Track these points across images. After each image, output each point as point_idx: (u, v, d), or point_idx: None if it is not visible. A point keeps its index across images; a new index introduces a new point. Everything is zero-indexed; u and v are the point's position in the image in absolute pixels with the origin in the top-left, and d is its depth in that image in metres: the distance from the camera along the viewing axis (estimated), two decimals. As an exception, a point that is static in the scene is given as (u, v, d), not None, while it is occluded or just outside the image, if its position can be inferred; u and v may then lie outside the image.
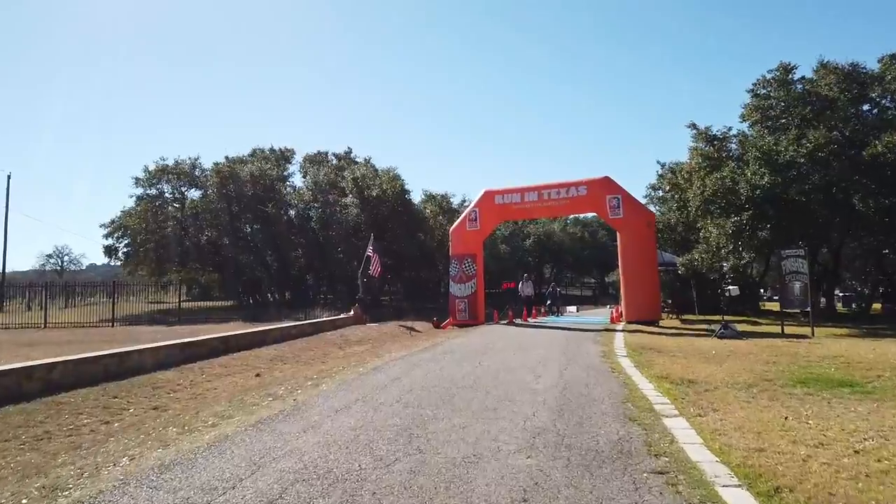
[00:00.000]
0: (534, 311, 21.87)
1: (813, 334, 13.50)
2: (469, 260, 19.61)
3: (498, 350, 10.68)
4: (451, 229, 20.65)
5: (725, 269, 12.69)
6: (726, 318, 19.35)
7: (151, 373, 8.68)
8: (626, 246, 17.88)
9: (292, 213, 32.95)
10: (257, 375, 9.81)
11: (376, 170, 32.51)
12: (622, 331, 15.22)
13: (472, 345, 11.86)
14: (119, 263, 30.34)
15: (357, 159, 36.34)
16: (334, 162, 36.85)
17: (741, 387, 6.80)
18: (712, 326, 15.66)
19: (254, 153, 35.76)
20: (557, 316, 23.48)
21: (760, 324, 18.56)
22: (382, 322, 22.66)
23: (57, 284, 26.58)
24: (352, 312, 21.46)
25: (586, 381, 7.12)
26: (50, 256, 67.92)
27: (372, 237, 22.89)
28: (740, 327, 15.17)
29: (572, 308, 27.00)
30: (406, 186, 32.68)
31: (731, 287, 12.80)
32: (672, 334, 14.46)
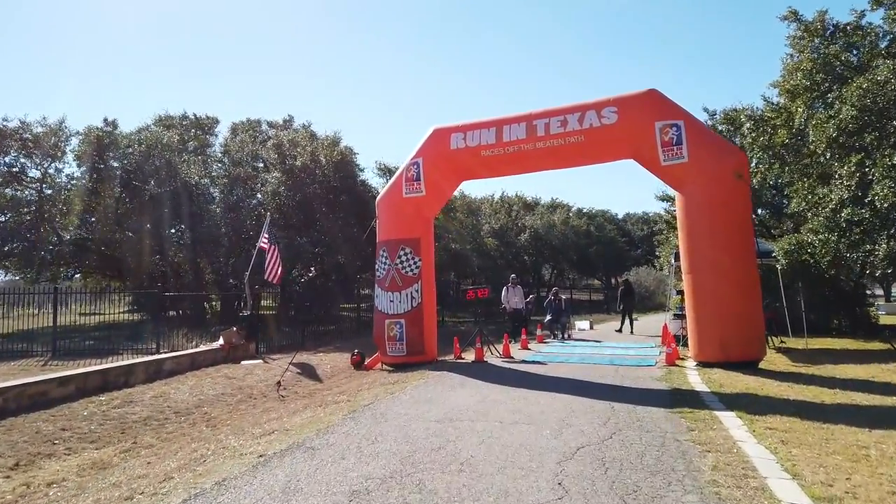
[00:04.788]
0: (524, 336, 13.28)
1: None
2: (408, 250, 11.08)
3: None
4: (377, 199, 12.09)
5: None
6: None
7: None
8: (694, 218, 9.36)
9: (211, 196, 24.33)
10: None
11: (314, 136, 24.00)
12: (716, 395, 6.69)
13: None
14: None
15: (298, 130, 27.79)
16: (270, 132, 28.30)
17: None
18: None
19: (159, 121, 27.21)
20: (563, 340, 14.88)
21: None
22: (280, 354, 14.12)
23: None
24: (220, 341, 12.92)
25: None
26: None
27: (268, 220, 14.41)
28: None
29: (583, 324, 18.39)
30: (356, 160, 24.32)
31: None
32: (853, 417, 5.86)
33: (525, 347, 12.70)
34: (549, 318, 15.60)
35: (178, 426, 7.25)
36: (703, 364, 9.16)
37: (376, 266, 11.55)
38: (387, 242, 11.28)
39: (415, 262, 11.07)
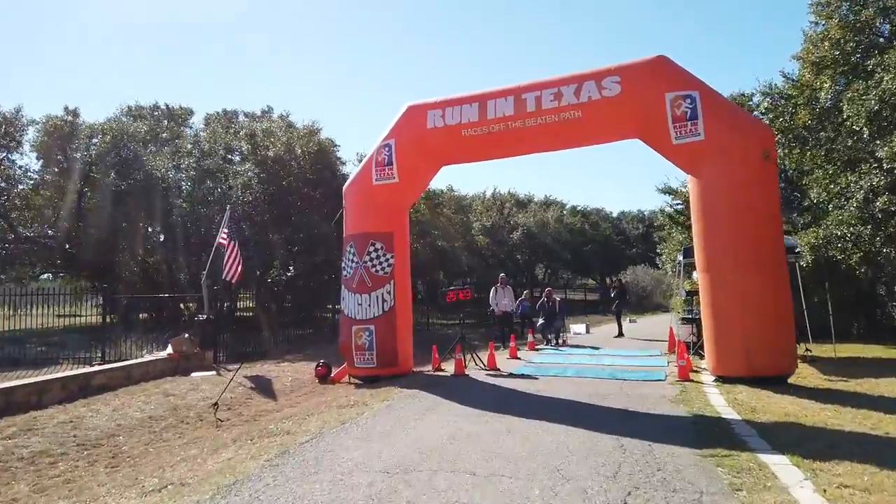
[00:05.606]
0: (513, 343, 11.80)
1: None
2: (379, 246, 9.59)
3: None
4: (345, 186, 10.58)
5: None
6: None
7: None
8: (712, 205, 7.91)
9: (180, 189, 22.65)
10: None
11: (291, 126, 22.44)
12: (751, 426, 5.25)
13: None
14: None
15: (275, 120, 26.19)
16: (247, 124, 26.69)
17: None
18: None
19: (129, 111, 25.57)
20: (557, 347, 13.44)
21: None
22: (234, 365, 12.61)
23: None
24: (169, 349, 11.42)
25: None
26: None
27: (228, 213, 12.88)
28: None
29: (579, 328, 16.96)
30: (338, 153, 22.83)
31: None
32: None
33: (514, 356, 11.23)
34: (541, 321, 14.15)
35: (72, 466, 5.72)
36: (723, 379, 7.73)
37: (342, 264, 10.08)
38: (354, 237, 9.79)
39: (386, 260, 9.59)
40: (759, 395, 6.78)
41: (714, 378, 7.94)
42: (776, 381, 7.46)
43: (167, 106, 26.79)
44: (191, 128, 27.18)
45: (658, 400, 6.73)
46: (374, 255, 9.61)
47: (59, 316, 20.79)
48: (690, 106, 7.91)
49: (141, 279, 23.11)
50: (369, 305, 9.52)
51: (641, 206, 71.24)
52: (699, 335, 10.78)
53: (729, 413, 5.94)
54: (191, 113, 27.52)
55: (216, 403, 7.69)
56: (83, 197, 21.71)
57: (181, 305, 22.24)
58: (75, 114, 21.79)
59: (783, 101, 10.81)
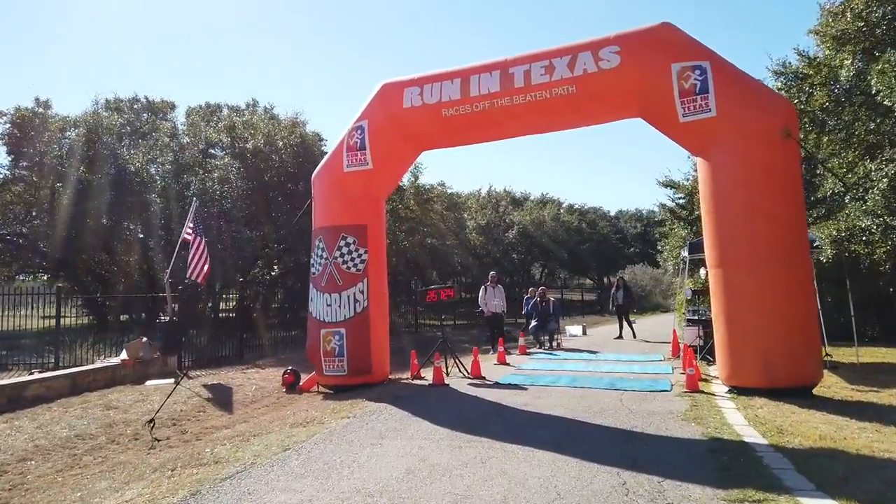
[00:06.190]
0: (501, 347, 10.74)
1: None
2: (351, 240, 8.58)
3: None
4: (313, 173, 9.55)
5: None
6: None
7: None
8: (725, 192, 6.89)
9: (156, 184, 21.55)
10: None
11: (274, 118, 21.42)
12: (782, 453, 4.23)
13: None
14: None
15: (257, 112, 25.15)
16: (228, 116, 25.65)
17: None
18: None
19: (107, 105, 24.49)
20: (551, 351, 12.43)
21: None
22: (211, 369, 11.68)
23: None
24: (123, 355, 10.40)
25: None
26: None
27: (194, 207, 11.82)
28: None
29: (576, 329, 15.93)
30: (324, 147, 21.80)
31: None
32: None
33: (502, 362, 10.21)
34: (534, 323, 13.13)
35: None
36: (738, 390, 6.74)
37: (311, 260, 9.05)
38: (324, 230, 8.78)
39: (359, 256, 8.58)
40: (782, 411, 5.79)
41: (727, 389, 6.95)
42: (799, 393, 6.46)
43: (147, 99, 25.76)
44: (171, 121, 26.14)
45: (665, 417, 5.73)
46: (345, 250, 8.59)
47: (42, 317, 19.77)
48: (700, 78, 6.92)
49: (120, 279, 22.05)
50: (339, 306, 8.51)
51: (639, 205, 70.50)
52: (706, 338, 9.82)
53: (752, 435, 4.94)
54: (173, 107, 26.49)
55: (152, 420, 6.66)
56: (55, 192, 20.66)
57: (164, 306, 21.14)
58: (47, 105, 20.74)
59: (798, 82, 9.83)
